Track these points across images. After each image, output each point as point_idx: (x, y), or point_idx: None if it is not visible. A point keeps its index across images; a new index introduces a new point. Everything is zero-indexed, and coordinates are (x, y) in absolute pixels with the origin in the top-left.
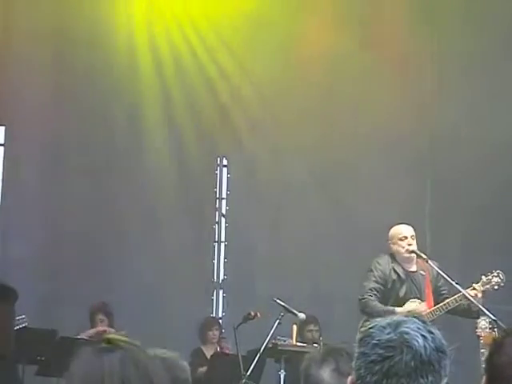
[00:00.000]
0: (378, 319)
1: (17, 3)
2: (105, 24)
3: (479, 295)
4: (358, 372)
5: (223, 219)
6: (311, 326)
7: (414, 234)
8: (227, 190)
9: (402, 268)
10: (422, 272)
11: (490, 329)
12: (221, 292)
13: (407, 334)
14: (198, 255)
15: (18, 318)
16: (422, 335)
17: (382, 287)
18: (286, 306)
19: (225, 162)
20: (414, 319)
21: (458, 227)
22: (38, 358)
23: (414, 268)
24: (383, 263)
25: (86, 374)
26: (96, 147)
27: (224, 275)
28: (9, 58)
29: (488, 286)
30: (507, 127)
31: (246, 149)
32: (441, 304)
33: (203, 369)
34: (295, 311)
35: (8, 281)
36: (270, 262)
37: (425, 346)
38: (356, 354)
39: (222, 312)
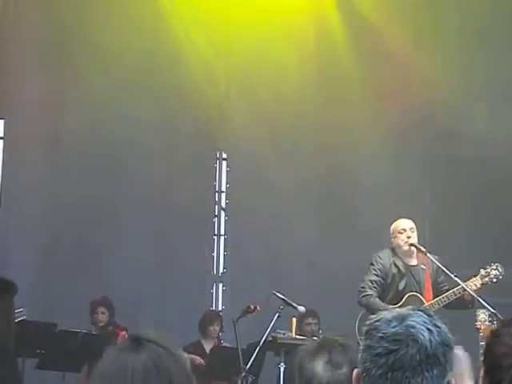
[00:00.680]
0: (384, 312)
1: None
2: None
3: (478, 285)
4: (364, 365)
5: (223, 212)
6: (310, 320)
7: (413, 226)
8: (227, 184)
9: (403, 262)
10: (422, 266)
11: (489, 321)
12: (220, 285)
13: (413, 327)
14: (197, 248)
15: (16, 310)
16: (428, 329)
17: (381, 280)
18: (285, 299)
19: (224, 155)
20: (420, 312)
21: (458, 221)
22: (38, 351)
23: (414, 262)
24: (384, 257)
25: (109, 373)
26: (96, 139)
27: (224, 268)
28: (8, 51)
29: (487, 279)
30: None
31: (246, 142)
32: (439, 297)
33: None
34: (295, 304)
35: (7, 274)
36: (270, 255)
37: (430, 340)
38: (362, 347)
39: (222, 305)
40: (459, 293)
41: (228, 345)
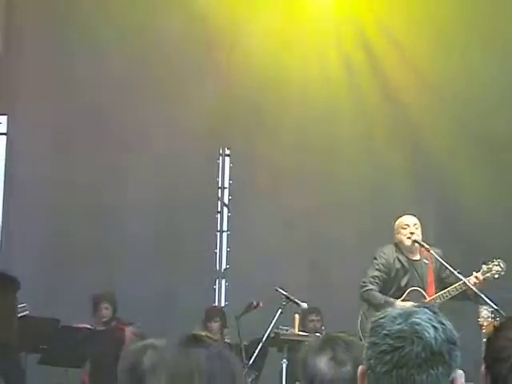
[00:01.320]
0: (389, 309)
1: None
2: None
3: (480, 280)
4: (369, 362)
5: (226, 209)
6: (313, 316)
7: (417, 223)
8: (230, 180)
9: (406, 257)
10: (425, 261)
11: (492, 318)
12: (223, 281)
13: (418, 324)
14: (200, 244)
15: (19, 306)
16: (433, 326)
17: (384, 275)
18: (288, 295)
19: (227, 151)
20: (426, 310)
21: (461, 218)
22: (41, 346)
23: (417, 257)
24: (387, 252)
25: (173, 370)
26: (100, 135)
27: (226, 264)
28: (11, 48)
29: (488, 275)
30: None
31: (249, 138)
32: (441, 292)
33: None
34: (298, 301)
35: (10, 270)
36: (273, 252)
37: (435, 337)
38: (367, 344)
39: (225, 301)
40: (461, 288)
41: (231, 341)
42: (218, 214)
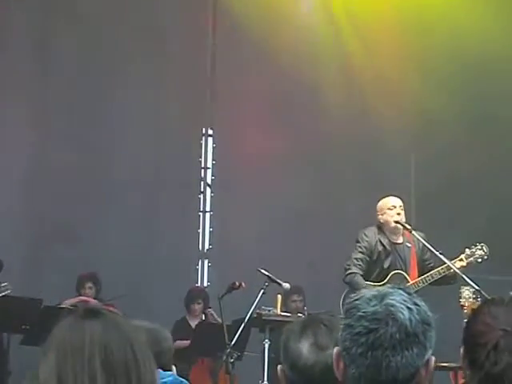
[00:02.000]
0: (364, 291)
1: None
2: None
3: (463, 264)
4: (344, 344)
5: (208, 189)
6: (295, 297)
7: (402, 204)
8: (213, 160)
9: (388, 239)
10: (407, 244)
11: (473, 299)
12: (206, 261)
13: (393, 306)
14: (183, 225)
15: (1, 285)
16: (408, 307)
17: (367, 258)
18: (270, 275)
19: (210, 131)
20: (400, 291)
21: (442, 198)
22: (24, 327)
23: (400, 240)
24: (370, 235)
25: (66, 340)
26: (82, 115)
27: (209, 245)
28: None
29: (472, 259)
30: None
31: (232, 118)
32: (424, 276)
33: (185, 342)
34: (280, 281)
35: None
36: (256, 232)
37: (410, 319)
38: (342, 326)
39: (207, 281)
40: (444, 272)
41: (213, 320)
42: (201, 195)
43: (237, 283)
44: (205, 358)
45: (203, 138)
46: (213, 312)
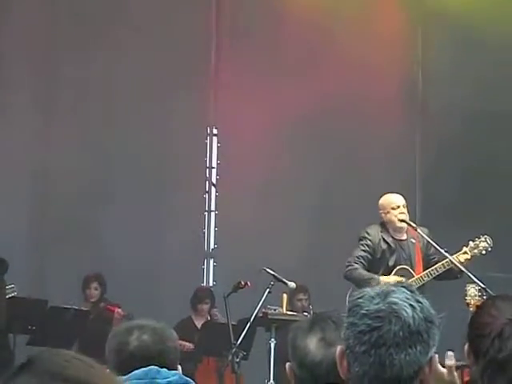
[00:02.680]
0: (367, 289)
1: None
2: None
3: (467, 257)
4: (347, 342)
5: (213, 188)
6: (301, 295)
7: (405, 203)
8: (217, 160)
9: (392, 237)
10: (412, 240)
11: (479, 296)
12: (211, 261)
13: (396, 304)
14: (188, 224)
15: (7, 287)
16: (411, 305)
17: (369, 256)
18: (275, 274)
19: (215, 131)
20: (403, 289)
21: (447, 193)
22: (30, 327)
23: (404, 236)
24: (373, 233)
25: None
26: (87, 113)
27: (214, 244)
28: None
29: (476, 251)
30: None
31: (237, 117)
32: (429, 270)
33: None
34: (285, 280)
35: None
36: (261, 231)
37: (413, 316)
38: (345, 324)
39: (213, 281)
40: (448, 265)
41: (218, 319)
42: (206, 194)
43: (242, 282)
44: (210, 357)
45: (208, 137)
46: (217, 312)
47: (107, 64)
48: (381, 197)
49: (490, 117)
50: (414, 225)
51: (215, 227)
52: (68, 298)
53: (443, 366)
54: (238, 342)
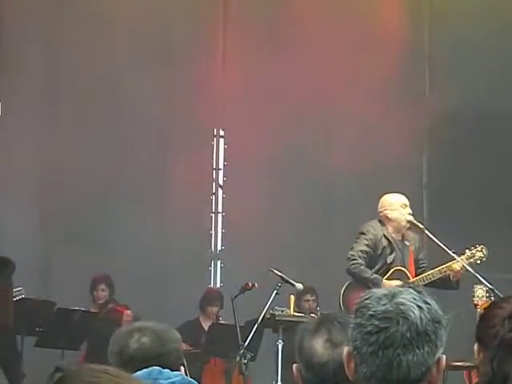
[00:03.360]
0: (374, 290)
1: None
2: None
3: (464, 265)
4: (355, 343)
5: (220, 190)
6: (308, 296)
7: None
8: (224, 161)
9: (391, 235)
10: (406, 242)
11: (486, 297)
12: (218, 262)
13: (403, 304)
14: (195, 226)
15: (15, 289)
16: (418, 306)
17: (371, 251)
18: (283, 276)
19: (221, 132)
20: (410, 289)
21: (453, 199)
22: (37, 329)
23: (400, 237)
24: (376, 228)
25: None
26: (94, 114)
27: (222, 246)
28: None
29: (471, 260)
30: None
31: (243, 119)
32: (425, 274)
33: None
34: (292, 281)
35: (5, 253)
36: (268, 233)
37: (421, 317)
38: (352, 325)
39: (220, 282)
40: (444, 271)
41: (226, 322)
42: (213, 196)
43: (249, 284)
44: (218, 358)
45: (214, 139)
46: (220, 315)
47: (112, 64)
48: (382, 195)
49: (501, 118)
50: (421, 226)
51: (222, 229)
52: (76, 300)
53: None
54: (246, 343)
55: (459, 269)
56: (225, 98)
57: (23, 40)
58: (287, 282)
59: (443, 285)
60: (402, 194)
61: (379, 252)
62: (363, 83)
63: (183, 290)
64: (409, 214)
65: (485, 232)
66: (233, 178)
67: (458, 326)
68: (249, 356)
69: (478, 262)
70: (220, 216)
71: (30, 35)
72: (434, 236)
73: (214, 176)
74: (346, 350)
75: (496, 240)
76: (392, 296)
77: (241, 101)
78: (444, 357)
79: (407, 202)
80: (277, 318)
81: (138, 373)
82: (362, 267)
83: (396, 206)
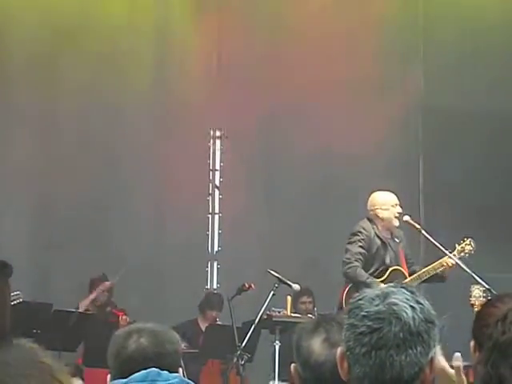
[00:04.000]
0: (367, 290)
1: None
2: None
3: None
4: (348, 343)
5: (217, 191)
6: (305, 298)
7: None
8: (220, 162)
9: (382, 235)
10: (396, 239)
11: (483, 297)
12: (215, 263)
13: (396, 305)
14: (191, 227)
15: (13, 293)
16: (411, 306)
17: (366, 253)
18: (280, 277)
19: (218, 133)
20: (403, 290)
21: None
22: (34, 331)
23: (389, 235)
24: (367, 228)
25: None
26: (92, 114)
27: (218, 247)
28: None
29: (462, 254)
30: None
31: (240, 120)
32: (421, 272)
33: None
34: (290, 282)
35: (2, 255)
36: (265, 233)
37: (413, 317)
38: (345, 326)
39: (217, 283)
40: (438, 268)
41: (223, 323)
42: (210, 197)
43: (246, 285)
44: (215, 360)
45: (211, 140)
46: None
47: (111, 66)
48: (371, 193)
49: (499, 116)
50: (418, 226)
51: (219, 230)
52: (73, 302)
53: (451, 368)
54: (243, 344)
55: (451, 265)
56: (221, 98)
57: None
58: (284, 282)
59: (431, 279)
60: (391, 192)
61: (373, 251)
62: (361, 83)
63: (180, 291)
64: (398, 212)
65: (482, 231)
66: (229, 179)
67: (454, 326)
68: (246, 357)
69: (467, 255)
70: (217, 217)
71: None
72: (431, 236)
73: (211, 177)
74: (339, 350)
75: (492, 238)
76: (384, 296)
77: (237, 101)
78: (438, 356)
79: (397, 201)
80: (274, 319)
81: (136, 374)
82: (358, 270)
83: (388, 206)
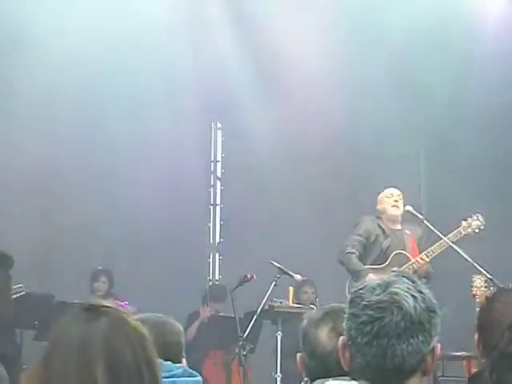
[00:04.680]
0: (369, 280)
1: None
2: None
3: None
4: (349, 333)
5: (218, 182)
6: (307, 288)
7: (400, 194)
8: (222, 153)
9: (387, 226)
10: (407, 231)
11: (485, 287)
12: (217, 255)
13: (397, 294)
14: (193, 218)
15: (15, 286)
16: (412, 295)
17: (364, 240)
18: (282, 267)
19: (219, 125)
20: (404, 279)
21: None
22: (36, 323)
23: (398, 227)
24: (368, 218)
25: (67, 340)
26: (91, 109)
27: (220, 238)
28: None
29: (469, 230)
30: None
31: (241, 111)
32: (425, 252)
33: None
34: (291, 273)
35: (4, 246)
36: (266, 224)
37: (415, 307)
38: (347, 315)
39: (219, 274)
40: (444, 246)
41: (225, 314)
42: (211, 188)
43: (248, 275)
44: (217, 350)
45: (212, 131)
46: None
47: (107, 60)
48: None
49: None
50: (420, 216)
51: (221, 221)
52: (74, 293)
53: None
54: (245, 334)
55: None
56: (222, 90)
57: None
58: (286, 273)
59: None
60: (395, 187)
61: (372, 239)
62: (363, 80)
63: (182, 283)
64: (395, 201)
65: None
66: (231, 170)
67: (457, 317)
68: (248, 347)
69: (477, 230)
70: (218, 208)
71: None
72: (433, 226)
73: (212, 168)
74: (340, 339)
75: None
76: (386, 286)
77: (238, 93)
78: (439, 345)
79: (394, 192)
80: (276, 310)
81: None
82: (351, 257)
83: (383, 199)
